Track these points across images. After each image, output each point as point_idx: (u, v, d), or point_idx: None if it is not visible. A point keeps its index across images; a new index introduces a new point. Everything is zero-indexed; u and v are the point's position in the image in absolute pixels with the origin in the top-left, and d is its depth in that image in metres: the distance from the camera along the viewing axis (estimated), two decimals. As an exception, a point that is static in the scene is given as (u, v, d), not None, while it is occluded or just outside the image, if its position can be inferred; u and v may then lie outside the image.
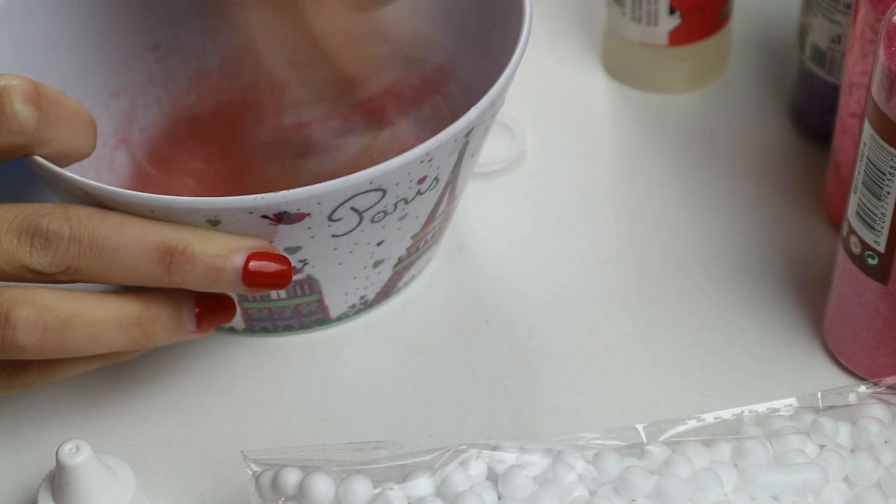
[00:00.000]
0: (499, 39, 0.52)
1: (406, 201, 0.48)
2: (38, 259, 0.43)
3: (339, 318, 0.54)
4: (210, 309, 0.46)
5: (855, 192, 0.48)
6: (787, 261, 0.57)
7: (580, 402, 0.52)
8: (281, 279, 0.45)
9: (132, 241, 0.43)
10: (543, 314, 0.55)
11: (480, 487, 0.44)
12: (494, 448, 0.45)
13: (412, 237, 0.51)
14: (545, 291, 0.56)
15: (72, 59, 0.56)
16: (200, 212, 0.44)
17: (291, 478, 0.45)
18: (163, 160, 0.59)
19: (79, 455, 0.45)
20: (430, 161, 0.46)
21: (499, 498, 0.44)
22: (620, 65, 0.66)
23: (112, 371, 0.53)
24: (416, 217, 0.50)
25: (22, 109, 0.43)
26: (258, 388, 0.53)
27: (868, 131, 0.46)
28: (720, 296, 0.56)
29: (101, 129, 0.56)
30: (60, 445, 0.46)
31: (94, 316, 0.43)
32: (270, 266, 0.45)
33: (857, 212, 0.48)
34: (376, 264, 0.51)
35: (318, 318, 0.53)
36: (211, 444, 0.51)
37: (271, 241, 0.46)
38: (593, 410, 0.52)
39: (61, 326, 0.43)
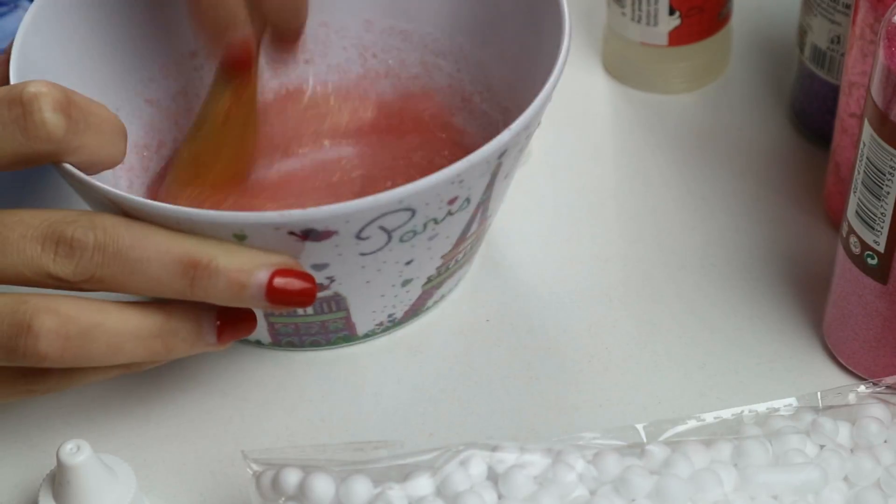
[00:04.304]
0: (536, 58, 0.51)
1: (436, 221, 0.47)
2: (62, 267, 0.42)
3: (367, 336, 0.53)
4: (231, 322, 0.45)
5: (855, 192, 0.48)
6: (787, 261, 0.57)
7: (580, 402, 0.52)
8: (305, 297, 0.44)
9: (156, 252, 0.42)
10: (543, 314, 0.55)
11: (480, 487, 0.44)
12: (494, 448, 0.45)
13: (442, 257, 0.50)
14: (545, 291, 0.56)
15: (108, 64, 0.55)
16: (226, 226, 0.43)
17: (292, 477, 0.45)
18: (195, 171, 0.58)
19: (79, 455, 0.45)
20: (460, 182, 0.45)
21: (499, 498, 0.44)
22: (620, 65, 0.66)
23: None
24: (447, 237, 0.48)
25: (51, 117, 0.42)
26: (258, 388, 0.53)
27: (868, 131, 0.46)
28: (720, 296, 0.56)
29: (134, 136, 0.56)
30: (61, 445, 0.46)
31: (115, 327, 0.43)
32: (295, 284, 0.44)
33: (857, 212, 0.48)
34: (405, 283, 0.50)
35: (344, 334, 0.53)
36: (211, 444, 0.51)
37: (298, 258, 0.45)
38: (593, 410, 0.52)
39: (83, 337, 0.42)
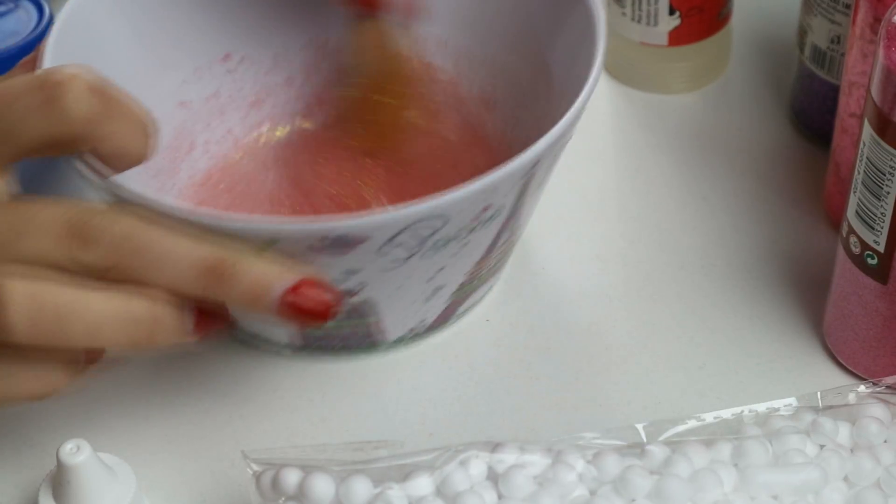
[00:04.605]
0: (570, 69, 0.51)
1: (468, 230, 0.46)
2: (83, 253, 0.41)
3: (397, 342, 0.53)
4: (206, 313, 0.44)
5: (855, 192, 0.48)
6: (787, 261, 0.57)
7: (580, 402, 0.52)
8: (323, 313, 0.43)
9: (178, 251, 0.42)
10: (544, 314, 0.56)
11: (480, 487, 0.44)
12: (494, 448, 0.45)
13: (474, 264, 0.50)
14: (545, 291, 0.56)
15: (141, 66, 0.54)
16: (254, 232, 0.43)
17: (292, 477, 0.45)
18: (225, 175, 0.58)
19: (79, 454, 0.45)
20: (493, 192, 0.45)
21: (499, 498, 0.44)
22: (620, 65, 0.66)
23: (112, 370, 0.53)
24: (479, 245, 0.48)
25: (82, 100, 0.42)
26: (258, 388, 0.53)
27: (868, 131, 0.46)
28: (720, 296, 0.56)
29: (165, 138, 0.55)
30: (61, 445, 0.46)
31: (95, 307, 0.41)
32: (315, 298, 0.43)
33: (857, 212, 0.48)
34: (436, 290, 0.50)
35: (375, 339, 0.52)
36: (211, 444, 0.51)
37: (328, 264, 0.44)
38: (593, 410, 0.52)
39: (57, 312, 0.41)
